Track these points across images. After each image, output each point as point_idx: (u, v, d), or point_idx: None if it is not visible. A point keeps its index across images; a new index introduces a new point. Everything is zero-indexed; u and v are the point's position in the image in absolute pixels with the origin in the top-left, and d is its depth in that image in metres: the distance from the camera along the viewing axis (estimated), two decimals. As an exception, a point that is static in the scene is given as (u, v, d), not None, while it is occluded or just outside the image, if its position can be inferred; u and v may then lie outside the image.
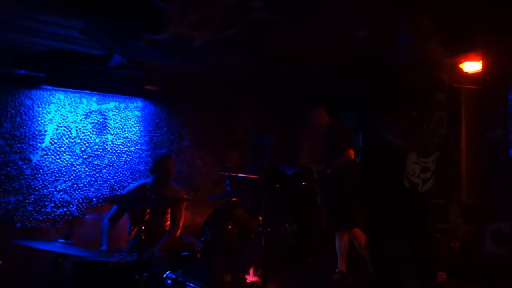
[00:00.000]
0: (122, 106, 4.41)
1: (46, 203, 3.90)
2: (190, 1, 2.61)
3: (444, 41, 1.81)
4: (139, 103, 4.53)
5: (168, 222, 3.49)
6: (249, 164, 5.02)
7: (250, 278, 3.79)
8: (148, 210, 2.69)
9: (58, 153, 3.99)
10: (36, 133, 3.88)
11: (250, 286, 3.54)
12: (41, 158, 3.90)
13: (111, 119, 4.32)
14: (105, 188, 4.24)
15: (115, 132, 4.34)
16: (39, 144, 3.89)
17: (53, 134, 3.97)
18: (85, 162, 4.14)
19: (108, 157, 4.28)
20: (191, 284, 2.60)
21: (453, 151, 4.13)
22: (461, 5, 2.79)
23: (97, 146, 4.21)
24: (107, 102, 4.30)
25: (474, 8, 2.85)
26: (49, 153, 3.94)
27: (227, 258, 3.39)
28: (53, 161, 3.95)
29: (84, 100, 4.16)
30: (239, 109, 5.14)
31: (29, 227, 3.80)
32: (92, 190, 4.16)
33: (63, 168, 4.00)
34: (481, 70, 3.89)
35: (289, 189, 4.59)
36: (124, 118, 4.41)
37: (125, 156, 4.39)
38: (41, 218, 3.86)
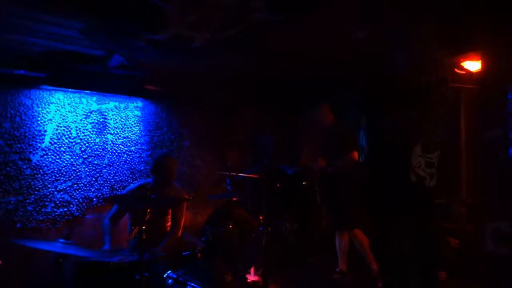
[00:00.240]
0: (122, 106, 4.41)
1: (46, 203, 3.90)
2: (190, 1, 2.62)
3: (444, 41, 1.82)
4: (139, 103, 4.54)
5: (169, 222, 3.49)
6: (250, 163, 5.03)
7: (251, 277, 3.80)
8: (148, 210, 2.69)
9: (58, 153, 3.99)
10: (36, 133, 3.88)
11: (251, 286, 3.54)
12: (41, 158, 3.90)
13: (111, 119, 4.32)
14: (106, 188, 4.25)
15: (115, 132, 4.34)
16: (39, 144, 3.89)
17: (53, 134, 3.97)
18: (85, 162, 4.14)
19: (108, 157, 4.28)
20: (192, 284, 2.60)
21: (452, 151, 4.13)
22: (461, 5, 2.79)
23: (97, 146, 4.22)
24: (107, 102, 4.31)
25: (474, 8, 2.85)
26: (49, 153, 3.94)
27: (228, 258, 3.40)
28: (53, 161, 3.96)
29: (84, 100, 4.16)
30: (239, 109, 5.14)
31: (29, 227, 3.80)
32: (93, 190, 4.16)
33: (63, 168, 4.01)
34: (480, 70, 3.89)
35: (289, 188, 4.60)
36: (124, 118, 4.41)
37: (125, 156, 4.40)
38: (41, 218, 3.87)
